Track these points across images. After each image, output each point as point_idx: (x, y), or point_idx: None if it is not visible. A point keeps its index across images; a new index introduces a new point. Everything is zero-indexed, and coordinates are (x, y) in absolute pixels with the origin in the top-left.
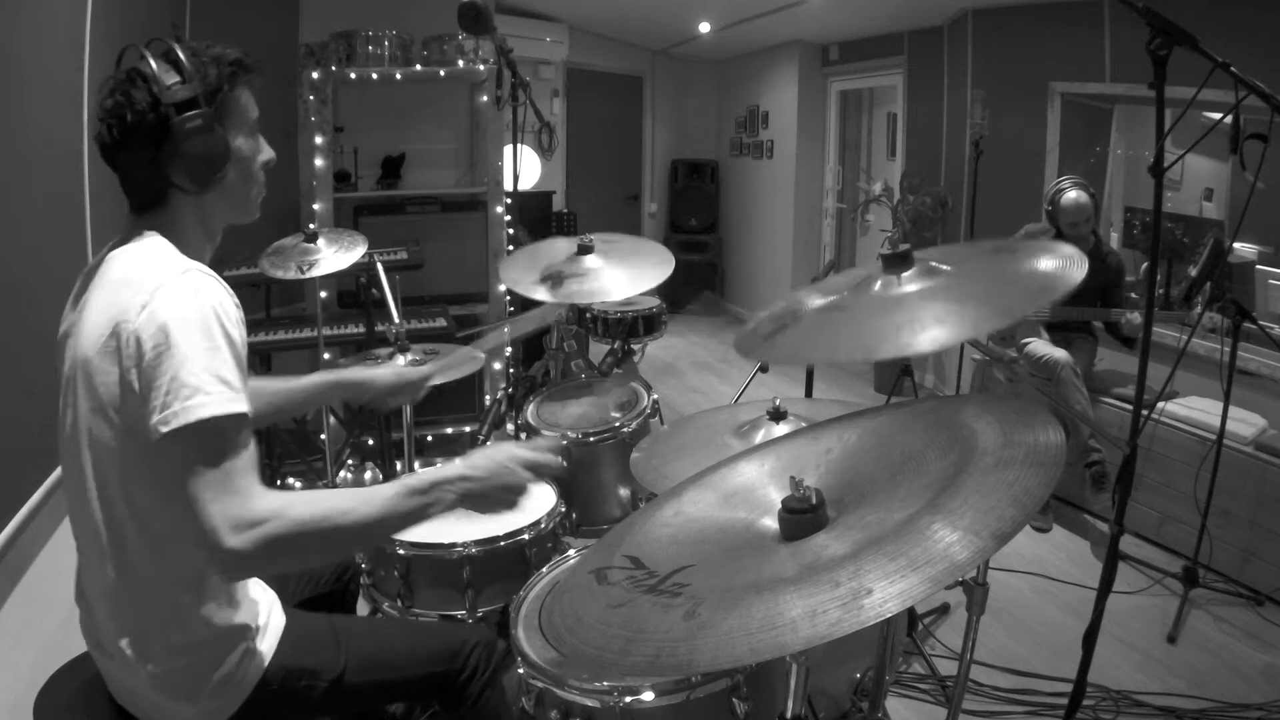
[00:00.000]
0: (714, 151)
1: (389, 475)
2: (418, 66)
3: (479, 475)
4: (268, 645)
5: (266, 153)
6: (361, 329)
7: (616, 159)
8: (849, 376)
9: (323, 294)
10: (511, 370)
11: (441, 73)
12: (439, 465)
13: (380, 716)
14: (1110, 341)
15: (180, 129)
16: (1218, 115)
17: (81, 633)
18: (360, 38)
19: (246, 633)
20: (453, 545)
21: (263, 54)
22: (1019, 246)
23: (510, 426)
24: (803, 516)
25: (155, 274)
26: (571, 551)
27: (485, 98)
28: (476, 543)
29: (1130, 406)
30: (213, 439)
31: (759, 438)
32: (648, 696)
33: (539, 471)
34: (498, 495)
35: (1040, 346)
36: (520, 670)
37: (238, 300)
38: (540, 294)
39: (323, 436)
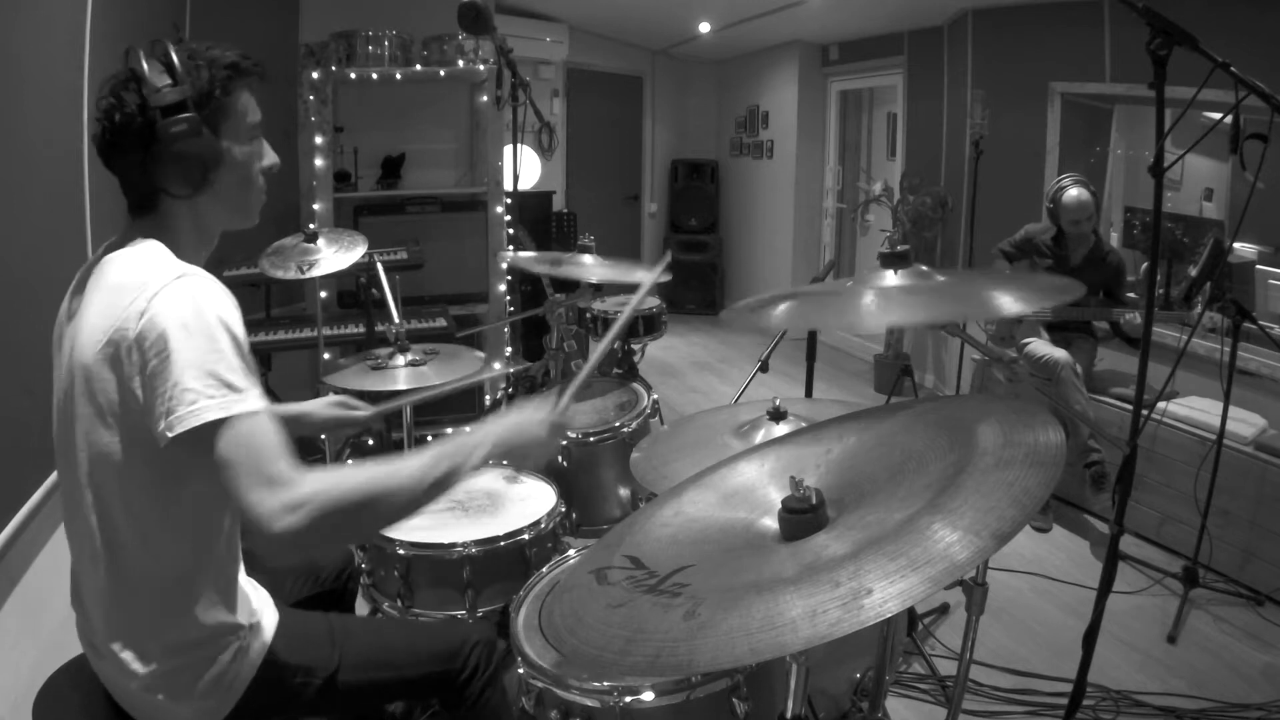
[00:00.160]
0: (714, 151)
1: None
2: (418, 66)
3: (506, 432)
4: (261, 644)
5: (269, 157)
6: (361, 329)
7: (616, 159)
8: (849, 376)
9: (323, 294)
10: (511, 370)
11: (441, 73)
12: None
13: (380, 716)
14: (1110, 341)
15: (165, 132)
16: (1218, 115)
17: (78, 635)
18: (360, 38)
19: (239, 631)
20: (453, 545)
21: (263, 54)
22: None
23: None
24: (803, 516)
25: (151, 279)
26: (571, 551)
27: (485, 98)
28: (476, 543)
29: (1130, 406)
30: (229, 438)
31: (759, 438)
32: (648, 696)
33: (564, 424)
34: (526, 449)
35: (1040, 346)
36: (520, 670)
37: (235, 301)
38: (541, 269)
39: (323, 435)
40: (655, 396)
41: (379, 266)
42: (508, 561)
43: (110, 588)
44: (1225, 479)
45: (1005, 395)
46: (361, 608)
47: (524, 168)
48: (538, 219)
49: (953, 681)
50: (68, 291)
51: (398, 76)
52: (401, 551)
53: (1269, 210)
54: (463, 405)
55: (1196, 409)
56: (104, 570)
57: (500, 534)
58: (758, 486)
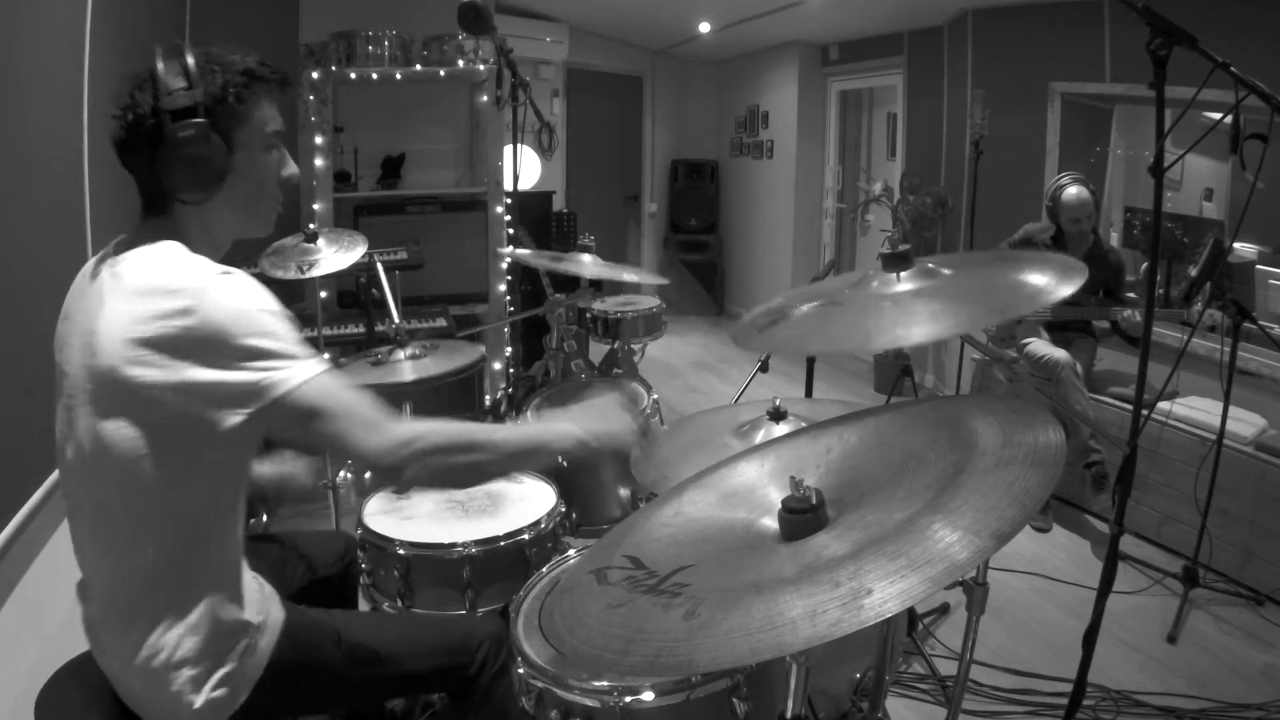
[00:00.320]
0: (714, 151)
1: None
2: (418, 66)
3: (597, 425)
4: (268, 641)
5: (289, 167)
6: (361, 329)
7: (616, 159)
8: (849, 376)
9: (323, 294)
10: (511, 370)
11: (441, 73)
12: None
13: (380, 714)
14: (1110, 341)
15: (173, 136)
16: (1218, 115)
17: (84, 631)
18: (360, 38)
19: (248, 629)
20: (453, 545)
21: (263, 54)
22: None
23: None
24: (803, 516)
25: (190, 278)
26: (571, 551)
27: (485, 98)
28: (476, 543)
29: (1130, 406)
30: (319, 394)
31: (759, 438)
32: (648, 696)
33: (643, 437)
34: (610, 446)
35: (1040, 346)
36: (520, 670)
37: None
38: (543, 262)
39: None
40: (655, 396)
41: (379, 266)
42: (508, 561)
43: (119, 584)
44: (1225, 479)
45: (1005, 395)
46: (361, 607)
47: (524, 168)
48: (538, 219)
49: (953, 681)
50: (72, 290)
51: (398, 76)
52: (401, 551)
53: (1269, 210)
54: (463, 405)
55: (1196, 409)
56: (114, 567)
57: (500, 534)
58: (758, 486)
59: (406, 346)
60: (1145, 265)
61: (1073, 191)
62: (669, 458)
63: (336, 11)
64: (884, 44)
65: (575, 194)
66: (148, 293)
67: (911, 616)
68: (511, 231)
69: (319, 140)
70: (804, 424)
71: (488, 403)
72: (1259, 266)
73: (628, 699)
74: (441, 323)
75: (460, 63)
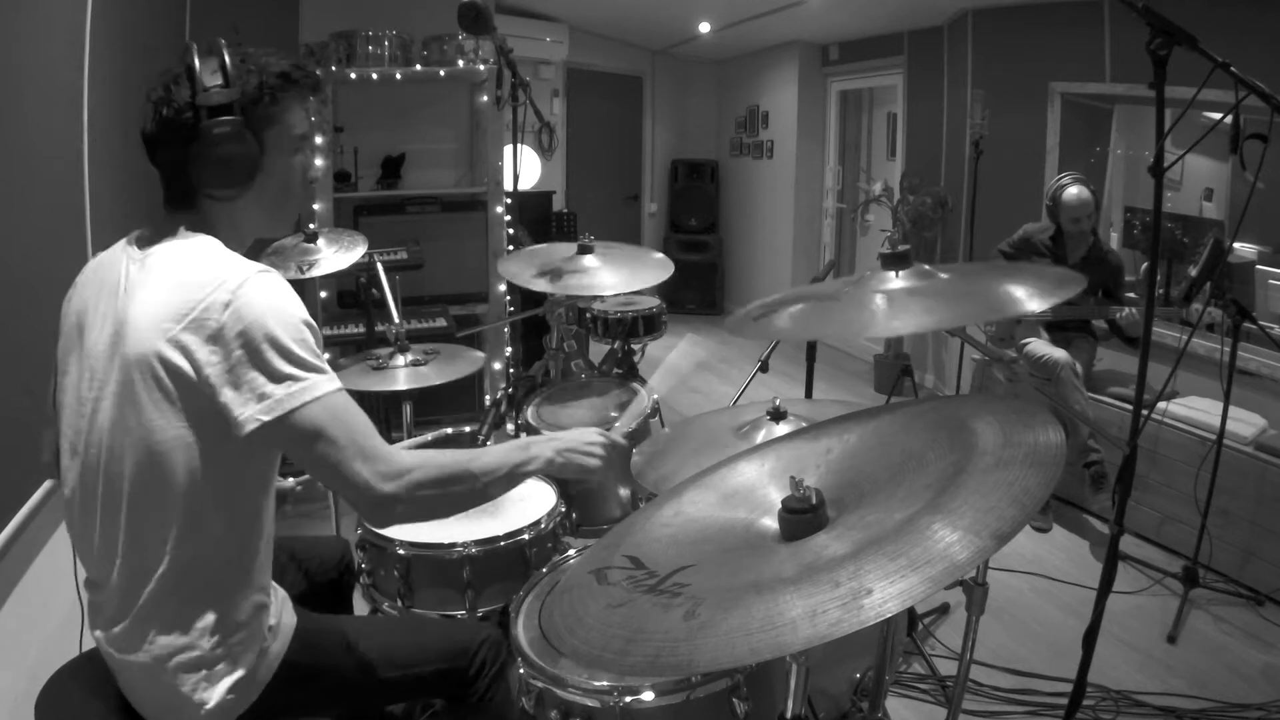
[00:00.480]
0: (714, 151)
1: None
2: (418, 66)
3: (565, 445)
4: (280, 645)
5: (313, 169)
6: (361, 329)
7: (616, 159)
8: (849, 376)
9: (323, 294)
10: (511, 370)
11: (441, 73)
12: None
13: (380, 716)
14: (1110, 341)
15: (209, 133)
16: (1218, 115)
17: (93, 630)
18: (360, 38)
19: (260, 632)
20: (453, 545)
21: None
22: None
23: (510, 427)
24: (803, 516)
25: (229, 272)
26: (571, 551)
27: (485, 98)
28: (476, 543)
29: (1130, 406)
30: (325, 416)
31: (759, 438)
32: (648, 696)
33: (612, 452)
34: (578, 466)
35: (1040, 346)
36: (520, 670)
37: None
38: (540, 285)
39: None
40: (655, 396)
41: (379, 266)
42: (508, 561)
43: (136, 584)
44: (1225, 479)
45: (1005, 395)
46: (361, 607)
47: (524, 168)
48: (538, 219)
49: (953, 681)
50: (82, 282)
51: (398, 76)
52: (401, 551)
53: (1269, 210)
54: (462, 404)
55: (1196, 409)
56: (131, 567)
57: (500, 534)
58: (758, 486)
59: (407, 353)
60: (1145, 265)
61: (1073, 191)
62: (669, 458)
63: (336, 11)
64: (884, 44)
65: (575, 194)
66: (188, 284)
67: (911, 616)
68: (511, 231)
69: (319, 140)
70: (804, 424)
71: (487, 402)
72: (1259, 266)
73: (628, 699)
74: (441, 323)
75: (460, 63)
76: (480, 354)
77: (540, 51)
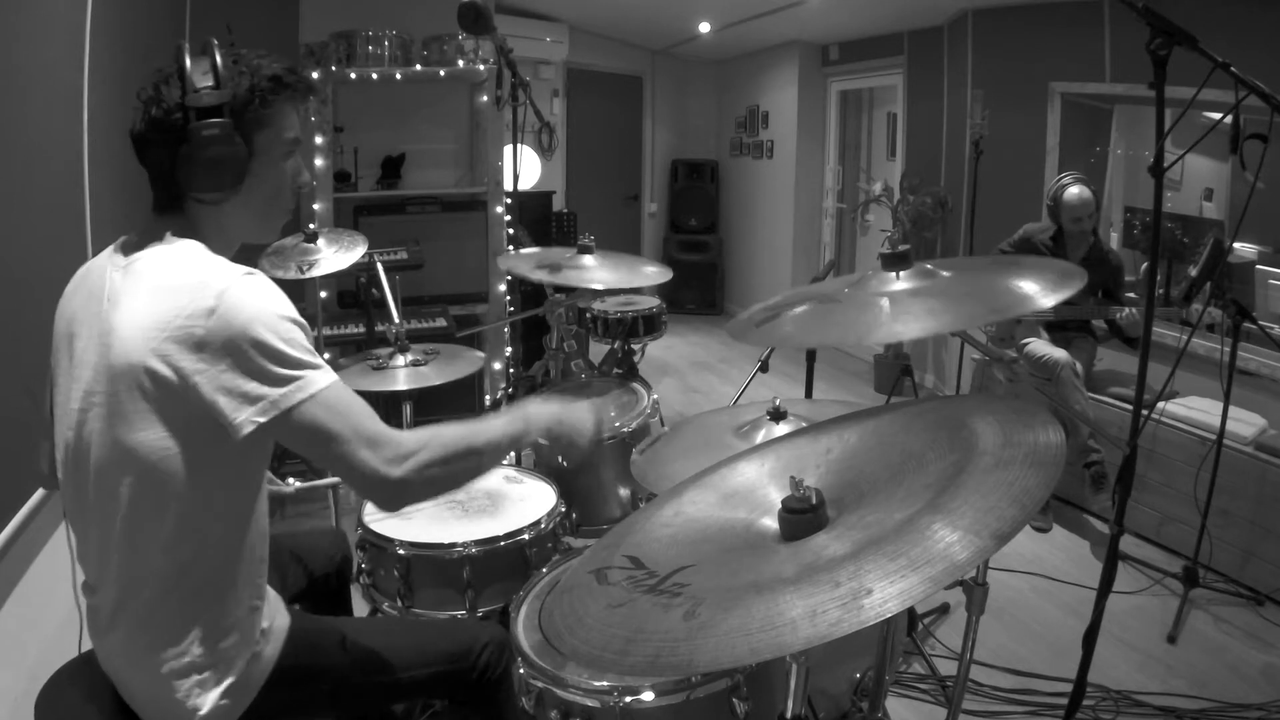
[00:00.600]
0: (714, 151)
1: None
2: (418, 66)
3: (561, 421)
4: (274, 647)
5: (303, 175)
6: (361, 329)
7: (616, 159)
8: (849, 376)
9: (323, 294)
10: (511, 370)
11: (441, 73)
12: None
13: (381, 715)
14: (1110, 342)
15: (196, 134)
16: (1218, 115)
17: (90, 634)
18: (360, 38)
19: (253, 636)
20: (453, 545)
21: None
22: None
23: None
24: (803, 516)
25: (213, 277)
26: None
27: (485, 98)
28: (476, 543)
29: (1130, 406)
30: (323, 410)
31: (759, 438)
32: (648, 696)
33: (593, 444)
34: (567, 441)
35: (1040, 346)
36: (520, 670)
37: None
38: (539, 276)
39: None
40: (655, 396)
41: (379, 266)
42: (508, 561)
43: (130, 588)
44: (1225, 479)
45: (1005, 395)
46: (361, 607)
47: (524, 168)
48: (538, 219)
49: (953, 681)
50: (72, 290)
51: (398, 76)
52: (401, 551)
53: (1269, 210)
54: (463, 405)
55: (1196, 409)
56: (126, 571)
57: (500, 534)
58: (758, 486)
59: (407, 353)
60: (1145, 265)
61: (1074, 191)
62: (669, 458)
63: (336, 11)
64: (884, 44)
65: (575, 194)
66: (171, 290)
67: (911, 616)
68: (511, 231)
69: (319, 140)
70: (804, 424)
71: (488, 402)
72: (1259, 266)
73: (628, 699)
74: (441, 323)
75: (460, 63)
76: (480, 354)
77: (540, 51)
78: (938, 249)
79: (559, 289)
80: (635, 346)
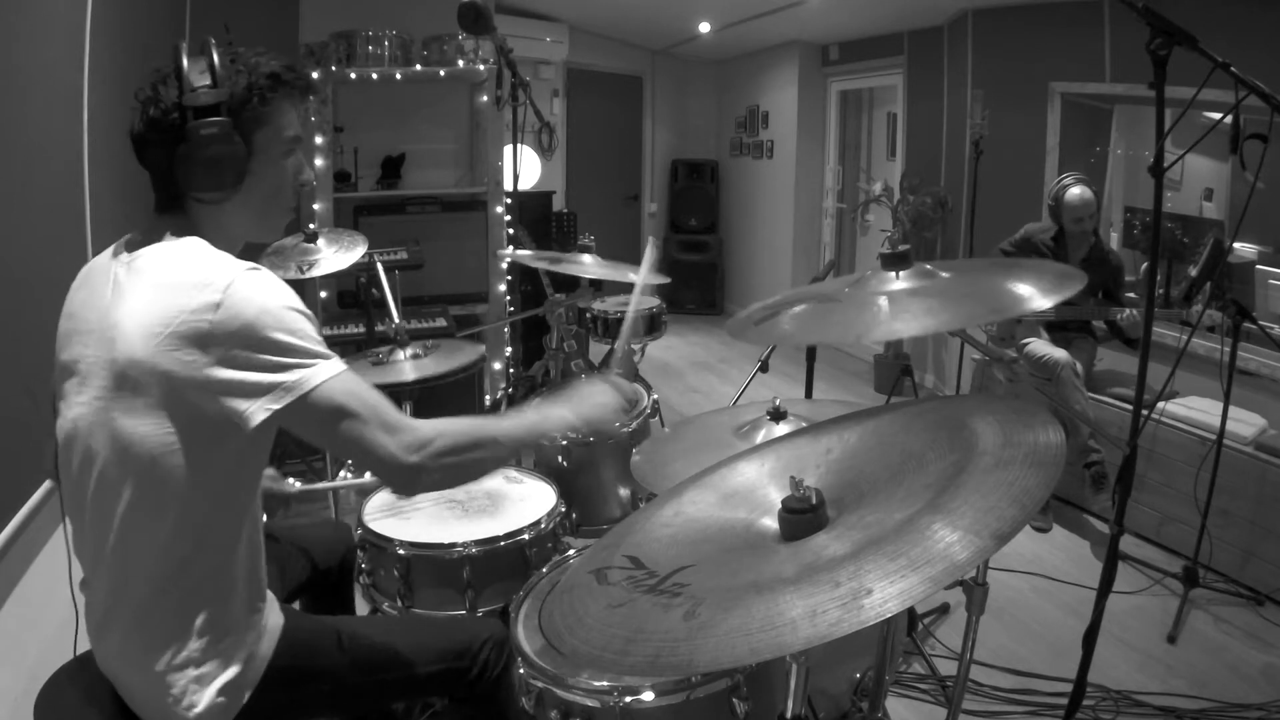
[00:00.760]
0: (714, 151)
1: None
2: (418, 66)
3: (583, 408)
4: (268, 646)
5: (305, 173)
6: (361, 329)
7: (616, 159)
8: (849, 376)
9: (323, 294)
10: (511, 370)
11: (441, 73)
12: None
13: (381, 715)
14: (1110, 341)
15: (195, 134)
16: (1218, 115)
17: (87, 632)
18: (360, 38)
19: (249, 635)
20: (453, 545)
21: None
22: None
23: None
24: (803, 516)
25: (216, 273)
26: (571, 551)
27: (485, 98)
28: (476, 543)
29: (1130, 406)
30: (339, 395)
31: (759, 438)
32: (648, 696)
33: (624, 399)
34: (596, 425)
35: (1040, 346)
36: (520, 670)
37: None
38: (540, 264)
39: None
40: (655, 396)
41: (379, 266)
42: (508, 561)
43: (127, 586)
44: (1225, 479)
45: (1005, 395)
46: (361, 607)
47: (524, 168)
48: (538, 219)
49: (953, 681)
50: (77, 289)
51: (398, 76)
52: (401, 551)
53: (1269, 210)
54: (463, 405)
55: (1196, 409)
56: (122, 568)
57: (500, 534)
58: (758, 486)
59: (407, 346)
60: (1145, 265)
61: (1076, 192)
62: (669, 458)
63: (336, 11)
64: (884, 44)
65: (575, 194)
66: (175, 286)
67: (911, 616)
68: (511, 231)
69: (319, 140)
70: (804, 424)
71: (488, 402)
72: (1259, 266)
73: (628, 699)
74: (441, 323)
75: (460, 63)
76: (480, 345)
77: (540, 51)
78: (938, 249)
79: (559, 288)
80: (635, 346)
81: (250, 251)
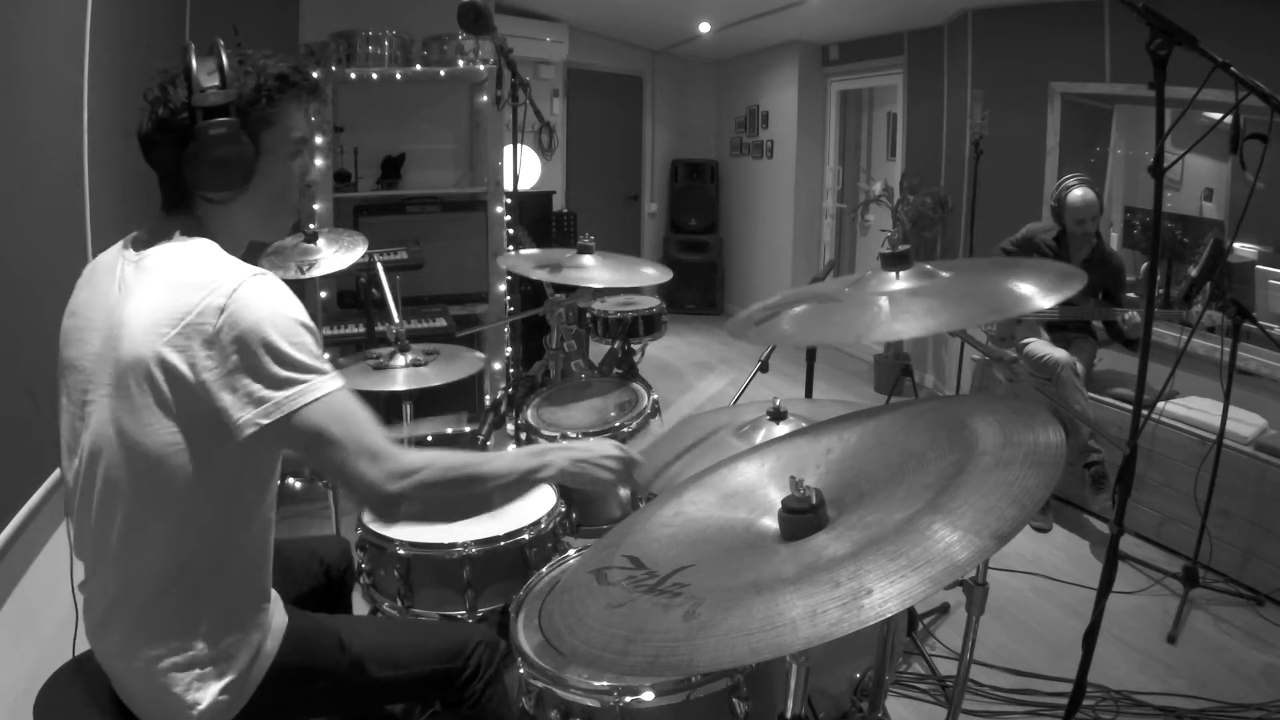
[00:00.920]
0: (714, 151)
1: None
2: (418, 66)
3: (580, 455)
4: (272, 644)
5: (311, 174)
6: (361, 329)
7: (616, 159)
8: (849, 376)
9: (323, 294)
10: (511, 370)
11: (441, 73)
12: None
13: (381, 716)
14: (1111, 342)
15: (203, 134)
16: (1218, 115)
17: (85, 631)
18: (360, 38)
19: (253, 633)
20: (453, 545)
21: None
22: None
23: (510, 427)
24: (803, 516)
25: (223, 276)
26: (571, 551)
27: (485, 98)
28: (476, 543)
29: (1130, 406)
30: (326, 416)
31: (759, 438)
32: (648, 696)
33: (627, 470)
34: (591, 477)
35: (1040, 346)
36: (520, 670)
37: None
38: (540, 275)
39: None
40: (655, 396)
41: (379, 266)
42: (508, 561)
43: (131, 585)
44: (1225, 479)
45: (1005, 395)
46: (361, 607)
47: (524, 168)
48: (538, 219)
49: (953, 681)
50: (82, 286)
51: (398, 76)
52: (401, 551)
53: (1269, 210)
54: (463, 405)
55: (1196, 409)
56: (126, 567)
57: (500, 534)
58: (758, 486)
59: (407, 353)
60: (1145, 265)
61: (1078, 193)
62: (669, 458)
63: (336, 11)
64: (884, 44)
65: (575, 194)
66: (183, 287)
67: (911, 616)
68: (511, 231)
69: (319, 140)
70: (804, 424)
71: (488, 402)
72: (1259, 266)
73: (628, 699)
74: (441, 323)
75: (460, 63)
76: (480, 354)
77: (540, 51)
78: (938, 249)
79: (559, 289)
80: (635, 346)
81: (251, 251)
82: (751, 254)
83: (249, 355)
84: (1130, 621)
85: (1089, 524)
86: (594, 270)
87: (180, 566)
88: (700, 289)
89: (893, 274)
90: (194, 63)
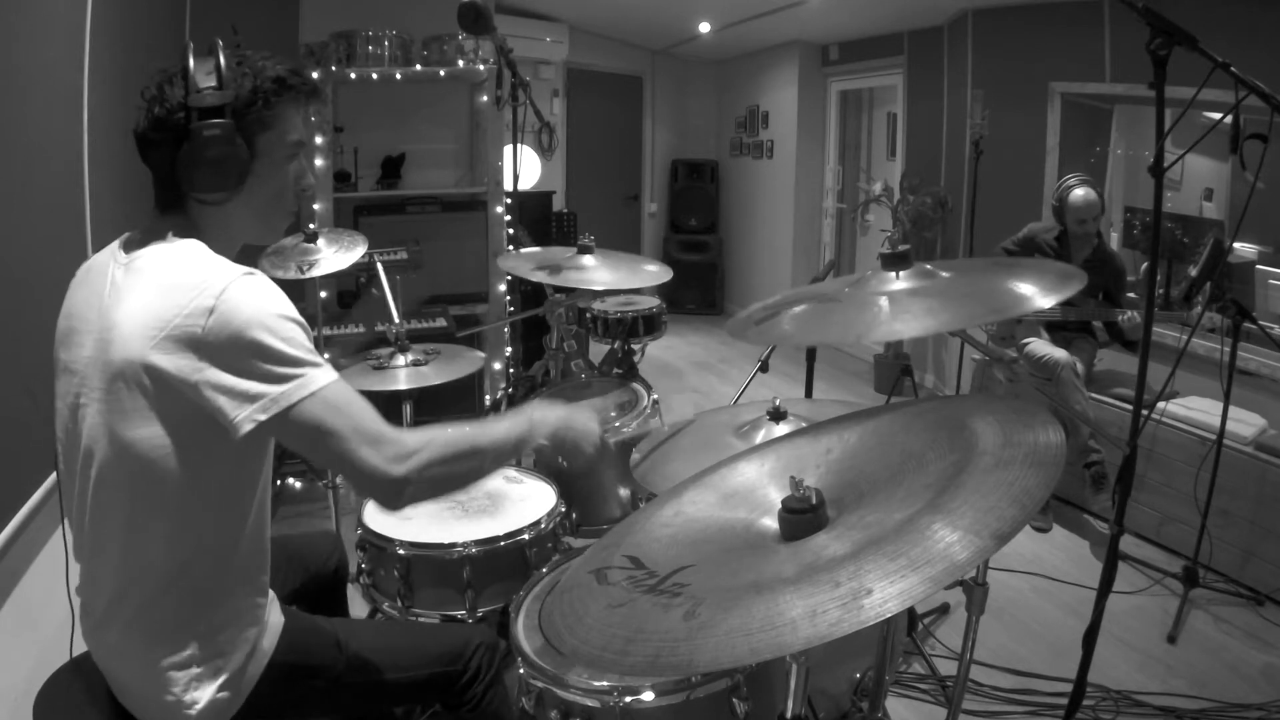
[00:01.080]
0: (714, 151)
1: None
2: (418, 66)
3: (569, 425)
4: (269, 642)
5: (307, 178)
6: (361, 329)
7: (616, 159)
8: (849, 376)
9: (323, 294)
10: (511, 370)
11: (441, 73)
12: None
13: (381, 717)
14: (1111, 342)
15: (198, 134)
16: (1218, 115)
17: (82, 631)
18: (360, 38)
19: (249, 632)
20: (453, 545)
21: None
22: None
23: None
24: (803, 516)
25: (212, 277)
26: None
27: (485, 98)
28: (476, 543)
29: (1130, 406)
30: (323, 409)
31: (759, 438)
32: (648, 696)
33: (602, 451)
34: (573, 446)
35: (1040, 346)
36: (520, 670)
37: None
38: (539, 277)
39: None
40: (655, 396)
41: (379, 266)
42: (508, 561)
43: (127, 585)
44: (1225, 479)
45: (1005, 395)
46: (361, 608)
47: (524, 168)
48: (538, 219)
49: (953, 681)
50: (75, 288)
51: (398, 76)
52: (401, 551)
53: (1269, 210)
54: (463, 405)
55: (1196, 409)
56: (122, 568)
57: (500, 534)
58: (758, 486)
59: (408, 352)
60: (1145, 265)
61: (1080, 194)
62: (669, 458)
63: (336, 11)
64: (884, 44)
65: (575, 194)
66: (172, 289)
67: (911, 616)
68: (511, 231)
69: (319, 140)
70: (804, 424)
71: (488, 402)
72: (1259, 266)
73: (628, 699)
74: (441, 323)
75: (460, 63)
76: (480, 354)
77: (540, 51)
78: (938, 249)
79: (559, 289)
80: (635, 346)
81: (250, 252)
82: (751, 254)
83: (241, 354)
84: (1130, 621)
85: (1089, 524)
86: (594, 270)
87: (177, 567)
88: (700, 289)
89: (893, 274)
90: (192, 62)
